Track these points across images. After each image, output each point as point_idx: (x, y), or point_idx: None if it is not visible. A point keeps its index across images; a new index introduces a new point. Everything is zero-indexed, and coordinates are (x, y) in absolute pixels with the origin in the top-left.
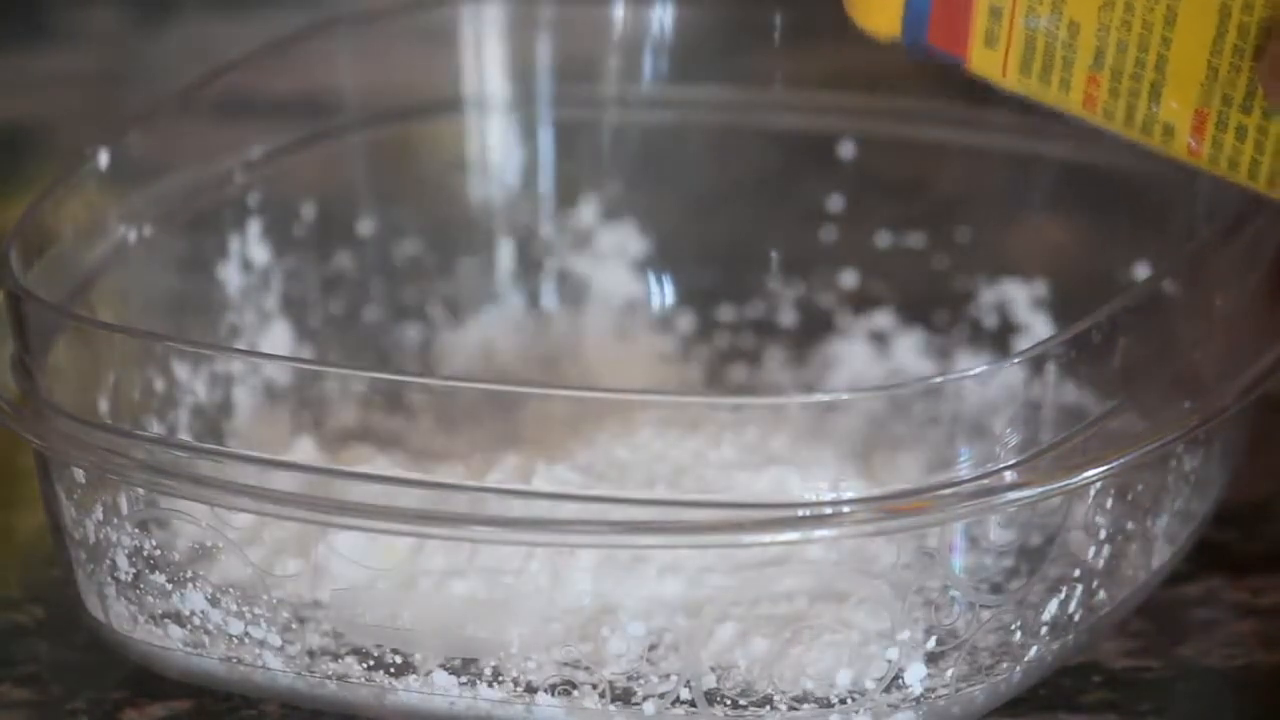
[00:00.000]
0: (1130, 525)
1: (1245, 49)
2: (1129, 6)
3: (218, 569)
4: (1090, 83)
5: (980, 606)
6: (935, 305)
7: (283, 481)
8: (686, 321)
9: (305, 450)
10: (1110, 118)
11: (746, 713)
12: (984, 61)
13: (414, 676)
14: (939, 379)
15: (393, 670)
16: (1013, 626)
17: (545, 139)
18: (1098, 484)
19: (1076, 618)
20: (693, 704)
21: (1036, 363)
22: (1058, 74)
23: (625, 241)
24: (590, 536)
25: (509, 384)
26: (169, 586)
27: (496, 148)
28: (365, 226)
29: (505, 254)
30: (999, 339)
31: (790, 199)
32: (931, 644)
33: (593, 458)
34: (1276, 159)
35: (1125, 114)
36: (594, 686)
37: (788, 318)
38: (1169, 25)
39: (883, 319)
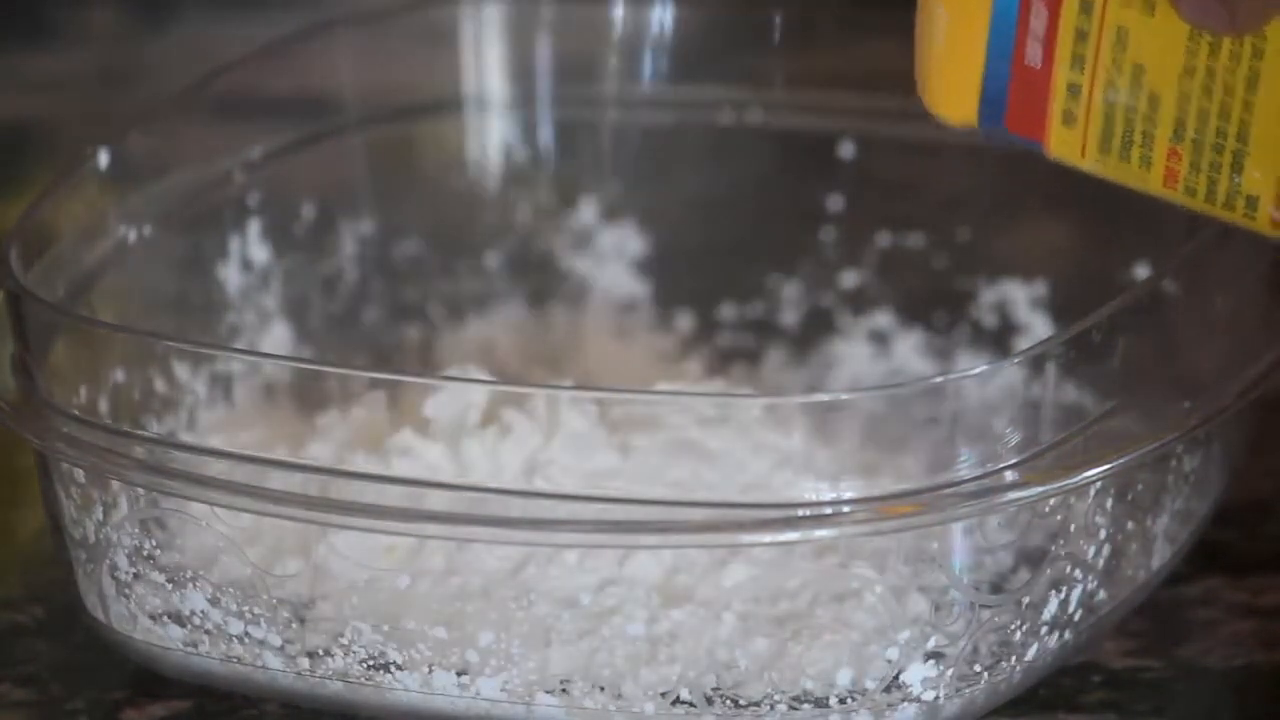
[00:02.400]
0: (1130, 525)
1: None
2: (1210, 72)
3: (218, 569)
4: (1171, 156)
5: (980, 606)
6: (935, 305)
7: (283, 481)
8: (686, 321)
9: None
10: (1192, 194)
11: (746, 712)
12: (1062, 143)
13: (414, 676)
14: (939, 379)
15: (393, 670)
16: (1013, 626)
17: (545, 139)
18: (1098, 484)
19: (1076, 618)
20: (692, 704)
21: (1036, 363)
22: (1137, 150)
23: (625, 241)
24: (590, 536)
25: (509, 384)
26: (169, 586)
27: (496, 148)
28: (365, 226)
29: (505, 254)
30: (999, 339)
31: (790, 199)
32: (931, 644)
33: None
34: None
35: (1207, 188)
36: (594, 686)
37: (788, 318)
38: (1251, 89)
39: (883, 319)
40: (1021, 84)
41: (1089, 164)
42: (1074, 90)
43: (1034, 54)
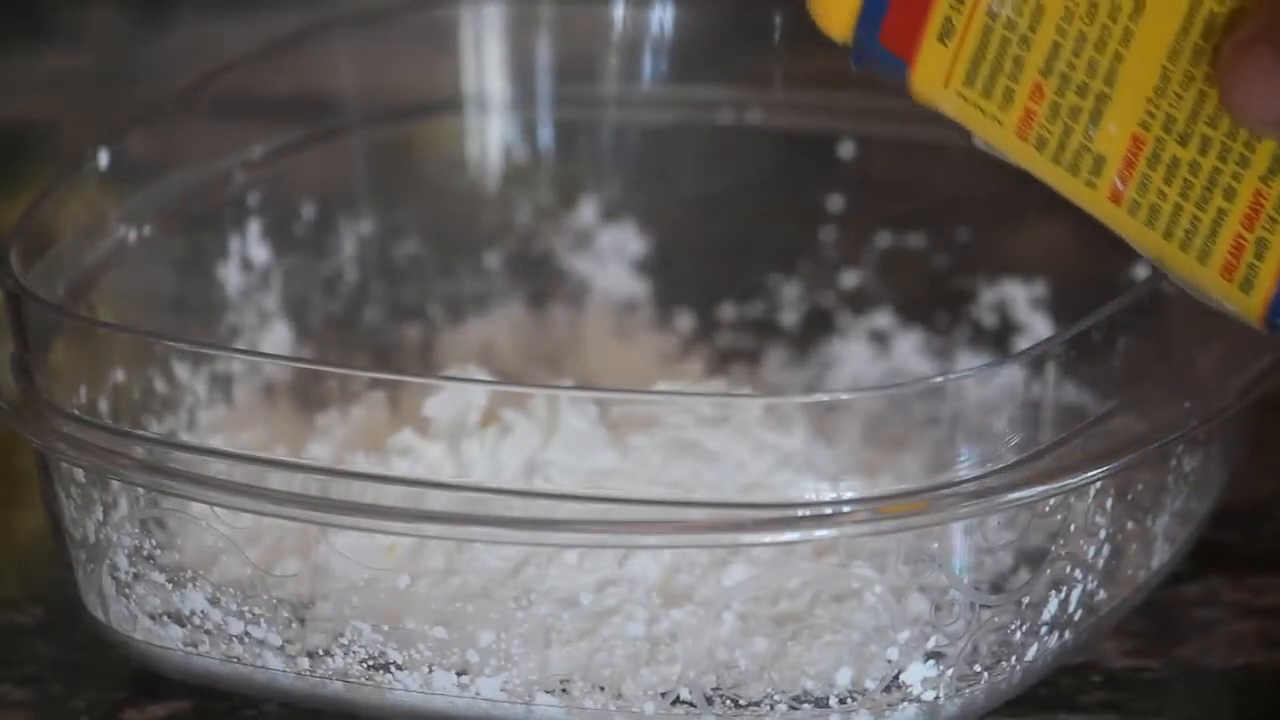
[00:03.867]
0: (1130, 525)
1: (1207, 51)
2: None
3: (218, 569)
4: (1034, 93)
5: (980, 606)
6: (935, 305)
7: (282, 481)
8: (686, 321)
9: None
10: (1042, 146)
11: (746, 712)
12: (930, 65)
13: (414, 676)
14: (939, 379)
15: (393, 670)
16: (1013, 626)
17: (545, 139)
18: (1098, 484)
19: (1076, 617)
20: (692, 704)
21: (1036, 363)
22: (1003, 80)
23: (625, 241)
24: (590, 536)
25: (509, 384)
26: (169, 586)
27: (496, 148)
28: (365, 226)
29: (505, 254)
30: (999, 339)
31: (790, 199)
32: (931, 644)
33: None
34: (1200, 209)
35: (1059, 140)
36: (594, 686)
37: (788, 318)
38: (1135, 14)
39: (883, 319)
40: None
41: (949, 98)
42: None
43: None
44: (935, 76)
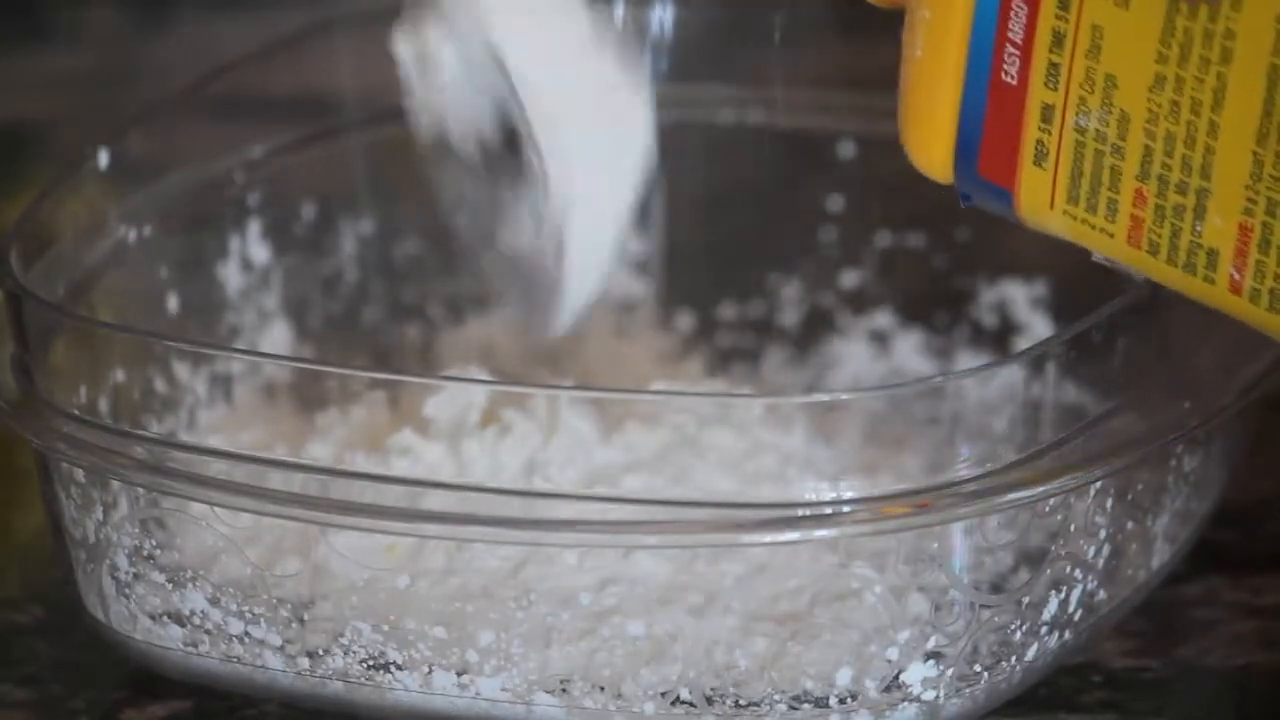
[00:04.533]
0: (1130, 525)
1: None
2: (1179, 83)
3: (218, 569)
4: (1137, 200)
5: (980, 606)
6: (935, 305)
7: (282, 481)
8: (686, 321)
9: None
10: (1155, 250)
11: (746, 712)
12: (1033, 191)
13: (414, 676)
14: (939, 379)
15: (393, 670)
16: (1013, 626)
17: None
18: (1098, 484)
19: (1076, 617)
20: (692, 704)
21: (1036, 363)
22: (1104, 194)
23: (625, 242)
24: (590, 536)
25: (509, 383)
26: (169, 586)
27: None
28: (365, 226)
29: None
30: (999, 339)
31: (790, 199)
32: (931, 644)
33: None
34: None
35: (1169, 242)
36: (594, 686)
37: (788, 318)
38: (1217, 106)
39: (883, 319)
40: (997, 108)
41: (1057, 219)
42: (1047, 114)
43: (1011, 65)
44: (1040, 200)
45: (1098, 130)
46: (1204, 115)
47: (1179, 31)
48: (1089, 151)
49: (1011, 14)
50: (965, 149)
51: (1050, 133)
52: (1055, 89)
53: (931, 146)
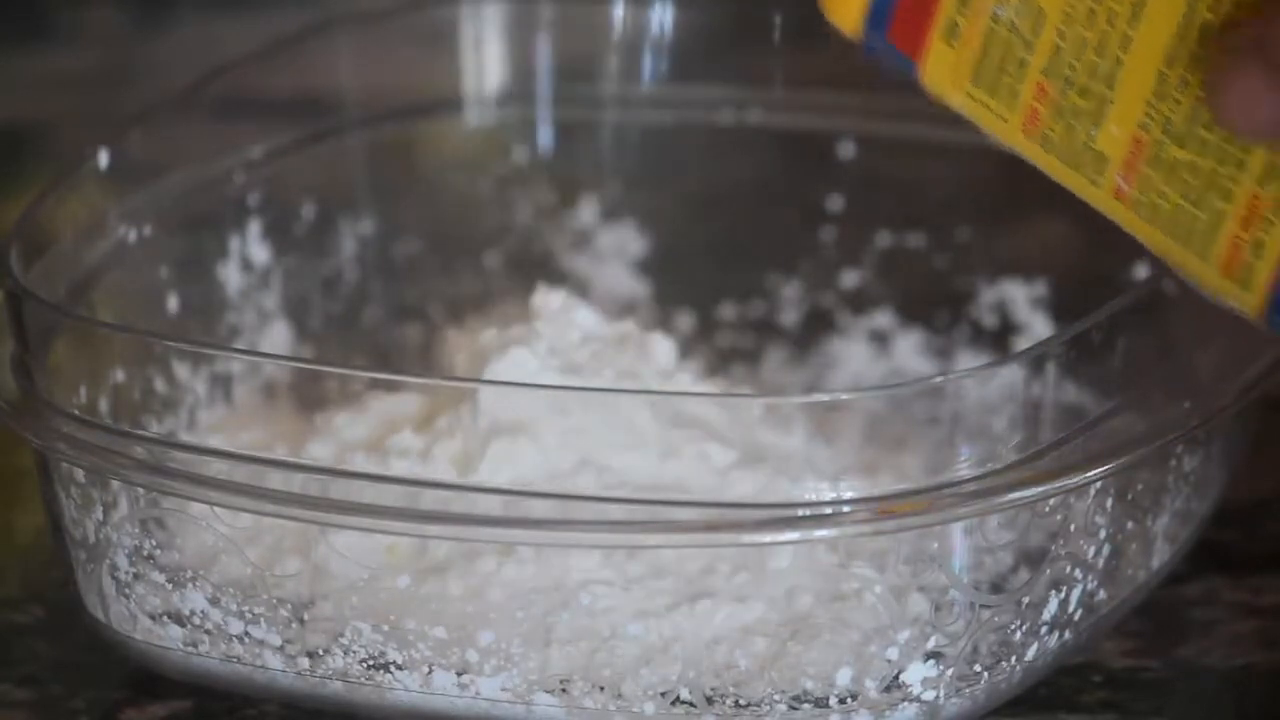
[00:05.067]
0: (1130, 525)
1: (1201, 58)
2: None
3: (218, 569)
4: (1038, 93)
5: (980, 606)
6: (935, 305)
7: (283, 481)
8: (686, 321)
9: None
10: (1047, 144)
11: (746, 712)
12: (938, 65)
13: (414, 676)
14: (939, 379)
15: (393, 670)
16: (1013, 626)
17: (545, 139)
18: (1098, 484)
19: (1076, 617)
20: (692, 704)
21: (1036, 363)
22: (1007, 81)
23: (625, 241)
24: (590, 536)
25: (509, 382)
26: (169, 586)
27: (496, 148)
28: (365, 226)
29: (505, 254)
30: (999, 339)
31: (790, 199)
32: (931, 644)
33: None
34: (1199, 208)
35: (1063, 139)
36: (594, 686)
37: (788, 318)
38: (1133, 21)
39: (883, 319)
40: None
41: (958, 97)
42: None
43: None
44: (943, 75)
45: (1013, 22)
46: (1119, 28)
47: None
48: (999, 40)
49: None
50: (877, 9)
51: (965, 14)
52: None
53: (844, 6)
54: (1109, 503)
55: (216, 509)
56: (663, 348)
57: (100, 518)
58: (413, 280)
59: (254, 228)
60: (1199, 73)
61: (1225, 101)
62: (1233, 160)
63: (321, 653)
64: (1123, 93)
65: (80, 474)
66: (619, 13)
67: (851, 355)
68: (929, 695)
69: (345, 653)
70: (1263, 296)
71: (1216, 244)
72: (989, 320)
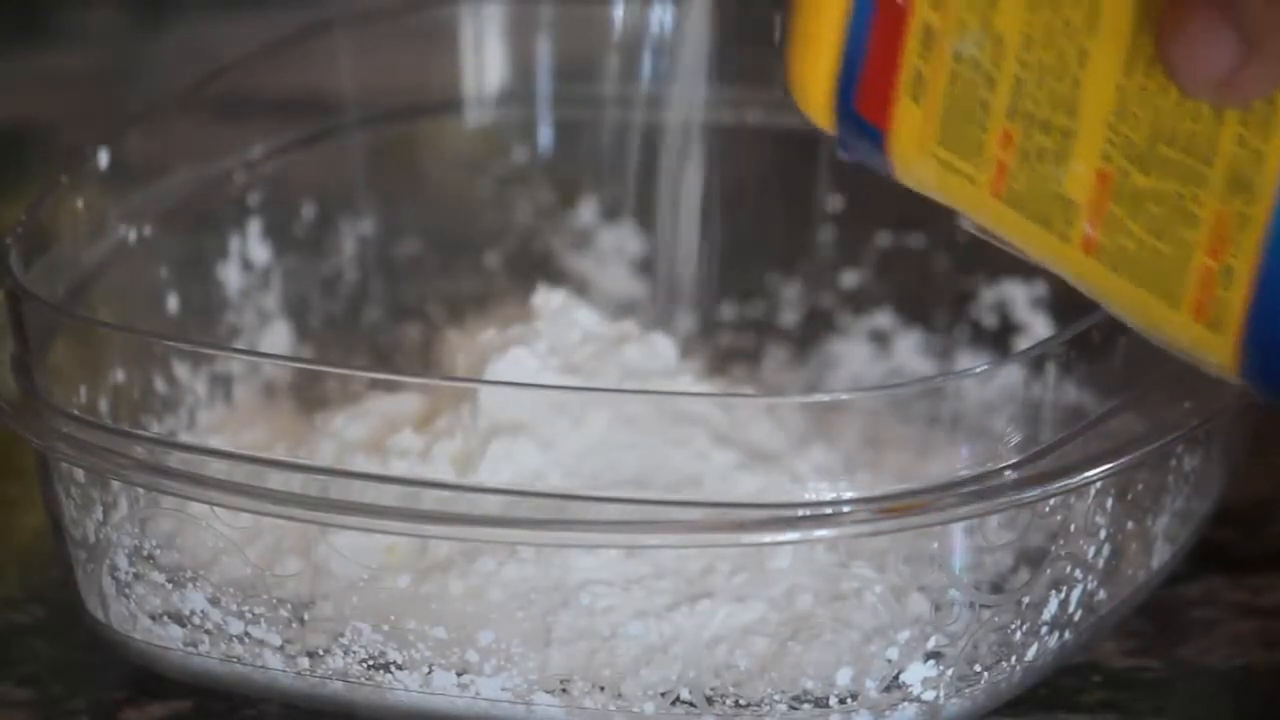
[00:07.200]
0: (1130, 525)
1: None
2: (1055, 5)
3: (218, 569)
4: (1004, 141)
5: (980, 606)
6: (935, 305)
7: (283, 481)
8: (686, 321)
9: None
10: (1015, 201)
11: (746, 712)
12: (906, 128)
13: (414, 676)
14: (939, 379)
15: (393, 670)
16: (1013, 626)
17: (545, 139)
18: (1098, 484)
19: (1076, 617)
20: (692, 704)
21: (1036, 363)
22: (974, 131)
23: (625, 241)
24: (591, 536)
25: (508, 382)
26: (169, 586)
27: (496, 148)
28: (365, 226)
29: (505, 254)
30: (999, 339)
31: (790, 199)
32: (931, 644)
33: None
34: (1166, 242)
35: (1030, 190)
36: (594, 686)
37: (788, 318)
38: (1089, 28)
39: (883, 319)
40: (881, 29)
41: (928, 163)
42: (928, 38)
43: None
44: (912, 140)
45: (974, 58)
46: (1076, 40)
47: None
48: (962, 82)
49: None
50: (846, 78)
51: (929, 60)
52: (938, 8)
53: (814, 79)
54: (1109, 503)
55: (216, 509)
56: (663, 347)
57: (100, 518)
58: (413, 280)
59: (254, 228)
60: (1155, 75)
61: (1175, 51)
62: (1195, 177)
63: (322, 653)
64: (1084, 118)
65: (80, 474)
66: (619, 13)
67: (851, 355)
68: (929, 695)
69: (345, 653)
70: (1236, 337)
71: (1186, 281)
72: (989, 320)
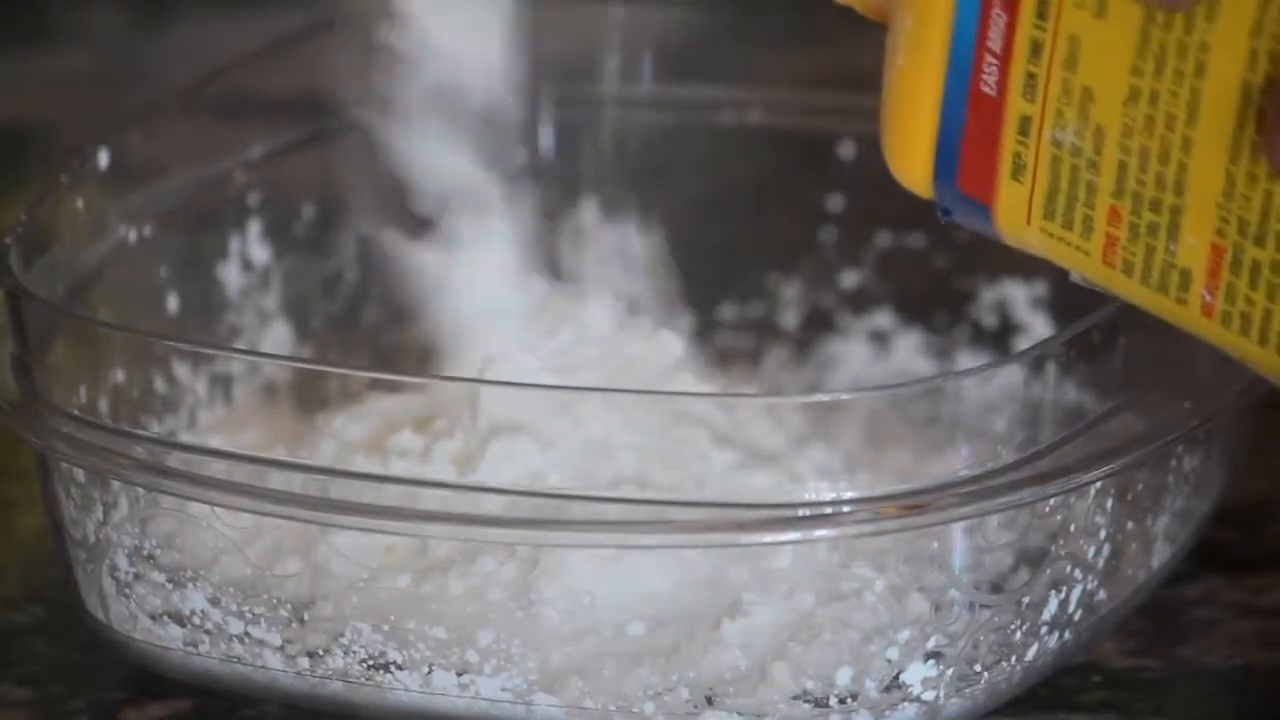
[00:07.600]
0: (1130, 525)
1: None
2: (1154, 98)
3: (218, 569)
4: (1112, 217)
5: (980, 606)
6: (935, 305)
7: (283, 481)
8: (686, 321)
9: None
10: (1129, 270)
11: (746, 712)
12: (1010, 206)
13: (414, 676)
14: (939, 379)
15: (393, 670)
16: (1013, 626)
17: (545, 139)
18: (1098, 484)
19: (1076, 617)
20: (693, 704)
21: (1036, 363)
22: (1080, 209)
23: (625, 241)
24: (590, 536)
25: (508, 382)
26: (169, 586)
27: (497, 148)
28: (365, 226)
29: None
30: (999, 339)
31: (790, 199)
32: (931, 644)
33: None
34: None
35: (1143, 261)
36: (594, 686)
37: (788, 318)
38: (1191, 121)
39: (883, 319)
40: (977, 119)
41: (1035, 235)
42: (1025, 126)
43: (990, 75)
44: (1018, 215)
45: (1074, 144)
46: (1178, 130)
47: (1154, 44)
48: (1065, 166)
49: (991, 23)
50: (945, 161)
51: (1027, 146)
52: (1033, 101)
53: (912, 157)
54: (1109, 503)
55: (216, 509)
56: (670, 342)
57: (100, 518)
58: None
59: (254, 228)
60: (1263, 162)
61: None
62: None
63: (321, 653)
64: (1193, 198)
65: (80, 474)
66: (619, 13)
67: (851, 355)
68: (929, 695)
69: (345, 653)
70: None
71: None
72: (989, 320)
